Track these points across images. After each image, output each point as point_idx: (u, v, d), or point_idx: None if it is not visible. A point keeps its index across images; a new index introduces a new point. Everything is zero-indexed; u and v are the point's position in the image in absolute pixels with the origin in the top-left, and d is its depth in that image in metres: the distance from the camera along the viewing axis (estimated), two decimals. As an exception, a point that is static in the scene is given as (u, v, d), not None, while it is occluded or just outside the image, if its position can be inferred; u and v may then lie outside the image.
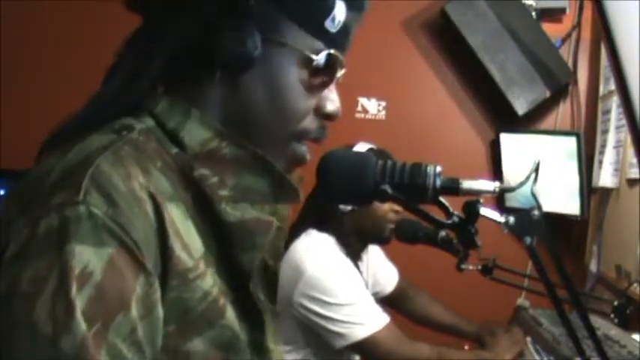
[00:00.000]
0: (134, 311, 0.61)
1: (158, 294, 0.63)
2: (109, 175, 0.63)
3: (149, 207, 0.64)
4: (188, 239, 0.68)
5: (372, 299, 1.80)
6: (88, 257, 0.59)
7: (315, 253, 1.76)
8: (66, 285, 0.58)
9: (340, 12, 0.74)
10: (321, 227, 1.81)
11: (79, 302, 0.58)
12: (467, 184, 0.77)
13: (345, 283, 1.75)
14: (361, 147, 1.83)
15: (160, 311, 0.64)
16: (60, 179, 0.63)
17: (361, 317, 1.72)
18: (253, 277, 0.75)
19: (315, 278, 1.71)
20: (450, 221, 0.78)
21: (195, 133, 0.72)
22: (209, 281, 0.69)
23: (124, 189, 0.63)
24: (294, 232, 1.78)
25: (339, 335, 1.71)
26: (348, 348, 1.74)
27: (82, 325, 0.57)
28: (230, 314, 0.72)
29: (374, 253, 2.05)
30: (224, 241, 0.72)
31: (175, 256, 0.65)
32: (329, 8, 0.73)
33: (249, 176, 0.74)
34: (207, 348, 0.69)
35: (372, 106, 2.70)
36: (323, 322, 1.71)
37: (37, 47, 2.62)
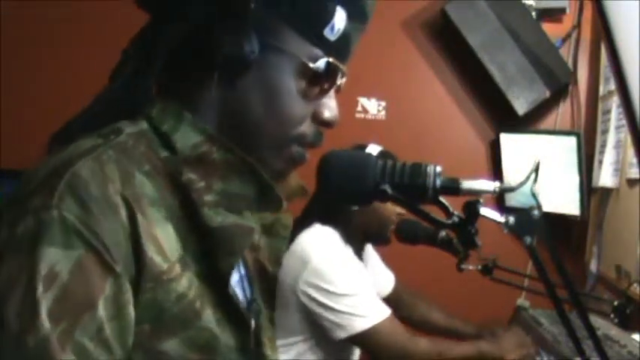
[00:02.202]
0: (101, 311, 0.63)
1: (129, 295, 0.65)
2: (84, 180, 0.64)
3: (123, 211, 0.65)
4: (165, 243, 0.68)
5: (374, 292, 1.81)
6: (56, 259, 0.61)
7: (321, 244, 1.78)
8: (33, 285, 0.60)
9: (340, 20, 0.73)
10: (327, 222, 1.82)
11: (45, 302, 0.60)
12: (467, 184, 0.77)
13: (349, 274, 1.76)
14: (372, 149, 1.84)
15: (131, 311, 0.65)
16: (40, 182, 0.65)
17: (363, 309, 1.73)
18: (250, 279, 0.76)
19: (319, 267, 1.72)
20: (450, 221, 0.78)
21: (187, 137, 0.73)
22: (184, 283, 0.70)
23: (98, 194, 0.64)
24: (300, 226, 1.79)
25: (340, 326, 1.72)
26: (349, 340, 1.74)
27: (47, 324, 0.60)
28: (208, 316, 0.72)
29: (370, 256, 2.05)
30: (206, 245, 0.73)
31: (148, 258, 0.66)
32: (329, 16, 0.73)
33: (236, 182, 0.74)
34: (182, 349, 0.69)
35: (372, 106, 2.70)
36: (325, 312, 1.72)
37: (37, 47, 2.62)
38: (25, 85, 2.60)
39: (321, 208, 1.81)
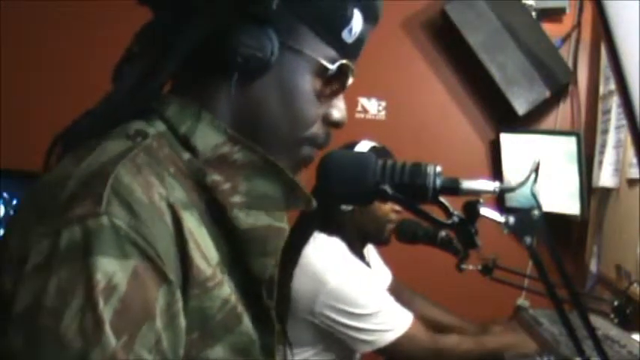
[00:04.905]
0: (158, 322, 0.61)
1: (180, 304, 0.63)
2: (129, 185, 0.62)
3: (168, 217, 0.64)
4: (205, 247, 0.68)
5: (392, 299, 1.80)
6: (112, 269, 0.59)
7: (334, 263, 1.75)
8: (93, 298, 0.57)
9: (357, 23, 0.74)
10: (328, 229, 1.80)
11: (107, 315, 0.58)
12: (467, 184, 0.77)
13: (368, 291, 1.75)
14: (363, 145, 1.83)
15: (182, 321, 0.64)
16: (79, 189, 0.62)
17: (388, 323, 1.72)
18: (265, 283, 0.75)
19: (338, 290, 1.69)
20: (450, 221, 0.78)
21: (207, 138, 0.72)
22: (227, 289, 0.69)
23: (145, 199, 0.63)
24: (300, 235, 1.76)
25: (367, 342, 1.72)
26: (376, 352, 1.74)
27: (112, 338, 0.57)
28: (246, 320, 0.72)
29: (370, 253, 2.05)
30: (236, 247, 0.72)
31: (195, 265, 0.65)
32: (347, 19, 0.73)
33: (261, 182, 0.74)
34: (227, 354, 0.69)
35: (372, 106, 2.70)
36: (350, 332, 1.71)
37: (37, 47, 2.62)
38: (25, 85, 2.60)
39: (319, 213, 1.79)
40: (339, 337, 1.73)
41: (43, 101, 2.59)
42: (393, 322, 1.73)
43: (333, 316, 1.70)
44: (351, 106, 2.65)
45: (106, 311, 0.58)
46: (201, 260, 0.66)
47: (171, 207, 0.65)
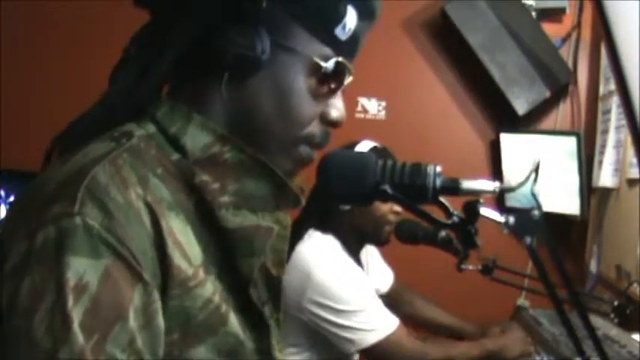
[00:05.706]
0: (132, 321, 0.61)
1: (158, 303, 0.63)
2: (104, 186, 0.63)
3: (146, 217, 0.64)
4: (187, 247, 0.68)
5: (380, 302, 1.80)
6: (83, 269, 0.59)
7: (323, 258, 1.75)
8: (62, 298, 0.58)
9: (351, 20, 0.74)
10: (323, 228, 1.80)
11: (76, 315, 0.58)
12: (467, 184, 0.77)
13: (354, 288, 1.75)
14: (364, 145, 1.83)
15: (160, 320, 0.64)
16: (56, 190, 0.63)
17: (372, 323, 1.72)
18: (254, 283, 0.75)
19: (324, 285, 1.70)
20: (450, 221, 0.78)
21: (197, 139, 0.72)
22: (210, 288, 0.69)
23: (120, 199, 0.63)
24: (296, 233, 1.76)
25: (350, 341, 1.71)
26: (360, 353, 1.74)
27: (80, 337, 0.58)
28: (233, 321, 0.72)
29: (370, 253, 2.04)
30: (224, 247, 0.72)
31: (174, 265, 0.65)
32: (340, 16, 0.73)
33: (251, 182, 0.74)
34: (211, 355, 0.69)
35: (372, 106, 2.70)
36: (334, 329, 1.71)
37: (37, 47, 2.62)
38: (25, 85, 2.60)
39: (316, 212, 1.79)
40: (325, 335, 1.73)
41: (42, 101, 2.59)
42: (377, 322, 1.73)
43: (318, 311, 1.70)
44: (351, 106, 2.65)
45: (76, 310, 0.58)
46: (182, 260, 0.66)
47: (150, 206, 0.65)
